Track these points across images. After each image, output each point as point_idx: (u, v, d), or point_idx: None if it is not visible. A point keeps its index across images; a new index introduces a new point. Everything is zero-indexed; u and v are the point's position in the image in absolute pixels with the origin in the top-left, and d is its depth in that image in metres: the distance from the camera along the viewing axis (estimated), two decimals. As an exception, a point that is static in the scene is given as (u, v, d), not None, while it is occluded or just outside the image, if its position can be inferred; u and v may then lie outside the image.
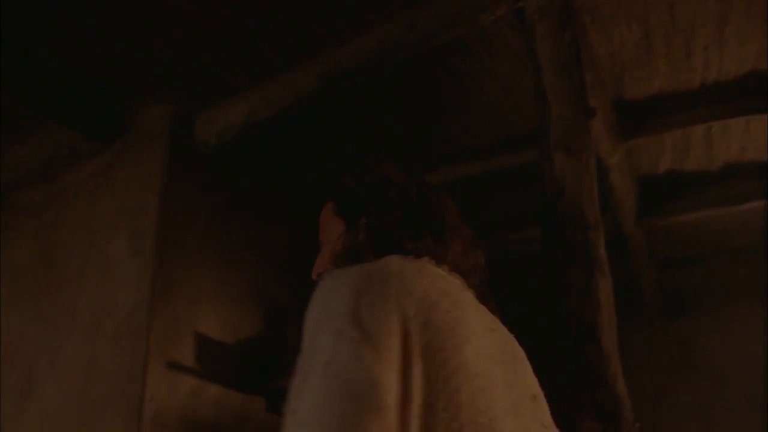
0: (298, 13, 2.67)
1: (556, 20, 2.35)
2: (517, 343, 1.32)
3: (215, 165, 3.18)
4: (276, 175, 3.49)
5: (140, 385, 2.71)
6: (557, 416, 1.26)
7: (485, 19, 2.56)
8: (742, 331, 4.44)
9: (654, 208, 3.99)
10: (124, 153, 3.16)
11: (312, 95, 2.85)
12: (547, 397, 1.28)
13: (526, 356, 1.31)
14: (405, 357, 1.06)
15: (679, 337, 4.73)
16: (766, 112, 3.23)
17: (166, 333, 2.83)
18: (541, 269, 2.05)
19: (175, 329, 2.87)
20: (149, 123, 3.13)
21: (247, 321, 3.20)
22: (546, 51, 2.32)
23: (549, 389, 1.31)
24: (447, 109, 3.25)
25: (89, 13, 2.64)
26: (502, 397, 1.16)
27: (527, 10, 2.43)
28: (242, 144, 3.11)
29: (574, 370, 1.90)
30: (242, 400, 3.11)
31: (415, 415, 1.03)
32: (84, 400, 2.86)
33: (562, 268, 1.98)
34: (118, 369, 2.82)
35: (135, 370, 2.74)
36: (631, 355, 2.33)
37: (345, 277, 1.16)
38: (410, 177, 1.48)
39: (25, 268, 3.44)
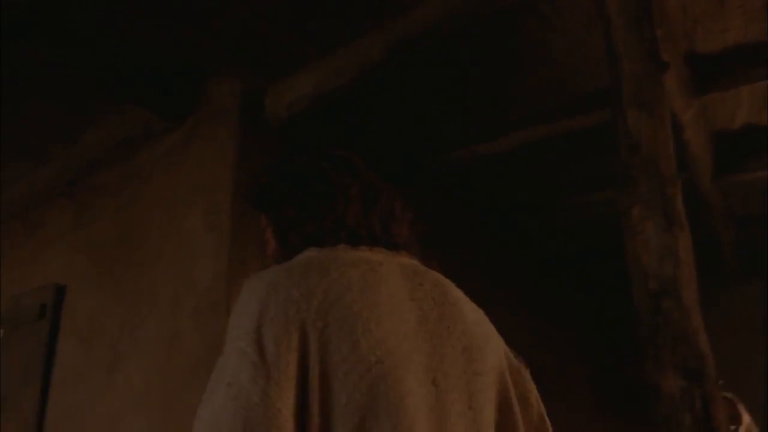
0: (362, -18, 2.68)
1: (625, -26, 2.32)
2: (451, 295, 1.42)
3: (286, 137, 3.22)
4: (346, 144, 3.51)
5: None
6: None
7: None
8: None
9: (731, 165, 3.91)
10: (197, 130, 3.23)
11: (379, 64, 2.87)
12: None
13: (463, 303, 1.43)
14: (302, 363, 1.17)
15: (760, 297, 4.64)
16: None
17: (245, 304, 2.89)
18: (619, 228, 2.04)
19: (254, 301, 2.93)
20: (220, 99, 3.19)
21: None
22: (616, 6, 2.29)
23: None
24: (516, 71, 3.23)
25: (158, -7, 2.69)
26: (416, 370, 1.28)
27: (595, -35, 2.40)
28: (312, 115, 3.14)
29: (655, 326, 1.89)
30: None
31: (314, 422, 1.15)
32: (167, 374, 2.95)
33: (640, 225, 1.97)
34: (200, 342, 2.90)
35: (216, 343, 2.81)
36: (711, 314, 2.31)
37: (256, 285, 1.26)
38: (315, 161, 1.55)
39: (106, 247, 3.55)
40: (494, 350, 1.42)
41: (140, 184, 3.46)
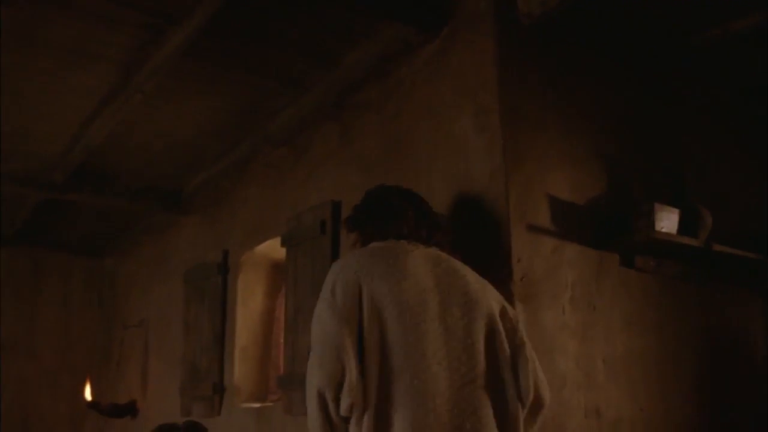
0: None
1: None
2: (459, 271, 2.64)
3: (543, 34, 3.34)
4: (603, 39, 3.57)
5: (507, 249, 3.01)
6: None
7: None
8: None
9: None
10: (454, 38, 3.42)
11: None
12: None
13: (468, 274, 2.65)
14: (359, 305, 2.45)
15: None
16: None
17: (523, 198, 3.09)
18: None
19: (530, 194, 3.13)
20: (473, 4, 3.35)
21: (591, 181, 3.38)
22: None
23: None
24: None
25: None
26: (432, 313, 2.49)
27: None
28: (566, 10, 3.23)
29: None
30: (597, 257, 3.32)
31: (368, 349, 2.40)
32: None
33: None
34: (482, 238, 3.14)
35: (500, 236, 3.04)
36: None
37: (335, 264, 2.64)
38: (385, 195, 2.91)
39: (374, 160, 3.86)
40: (487, 303, 2.57)
41: (402, 97, 3.71)
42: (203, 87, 4.11)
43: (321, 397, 2.41)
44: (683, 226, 3.34)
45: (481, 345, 2.49)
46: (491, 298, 2.61)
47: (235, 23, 3.50)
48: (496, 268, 3.02)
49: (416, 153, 3.54)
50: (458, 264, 2.67)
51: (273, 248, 4.77)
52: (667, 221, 3.27)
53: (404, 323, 2.45)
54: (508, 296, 2.93)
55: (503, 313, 2.60)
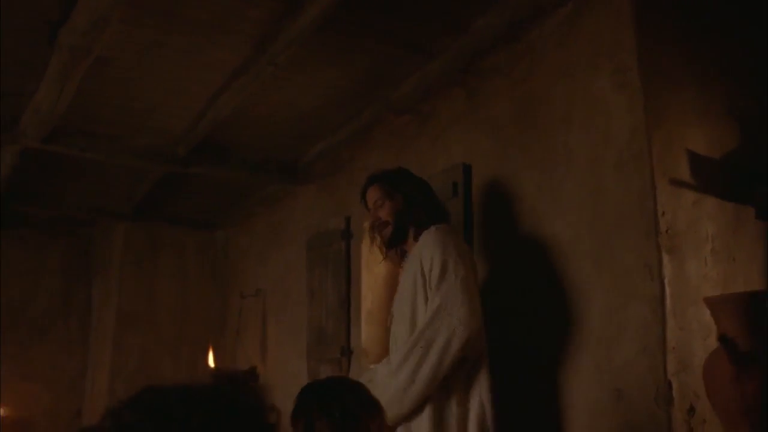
0: None
1: None
2: None
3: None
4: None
5: (652, 203, 3.17)
6: None
7: None
8: None
9: None
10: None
11: None
12: None
13: None
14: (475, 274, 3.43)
15: None
16: None
17: (664, 153, 3.25)
18: None
19: (670, 149, 3.28)
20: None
21: (727, 136, 3.50)
22: None
23: None
24: None
25: None
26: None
27: None
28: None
29: None
30: (734, 210, 3.46)
31: None
32: (595, 225, 3.41)
33: None
34: (624, 193, 3.30)
35: (644, 191, 3.20)
36: None
37: (447, 232, 3.44)
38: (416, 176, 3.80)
39: (503, 123, 4.05)
40: None
41: (533, 60, 3.89)
42: (333, 58, 4.33)
43: (464, 342, 3.16)
44: (820, 178, 3.45)
45: None
46: None
47: (367, -7, 3.72)
48: (641, 221, 3.19)
49: (550, 114, 3.72)
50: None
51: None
52: (804, 173, 3.39)
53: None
54: (654, 248, 3.11)
55: None
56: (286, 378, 6.07)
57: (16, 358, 7.56)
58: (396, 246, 3.61)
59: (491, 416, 3.25)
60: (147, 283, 7.38)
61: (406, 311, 3.36)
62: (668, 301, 3.08)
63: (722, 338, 2.57)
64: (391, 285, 5.16)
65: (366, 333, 5.12)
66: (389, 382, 3.22)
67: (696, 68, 3.46)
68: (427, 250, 3.31)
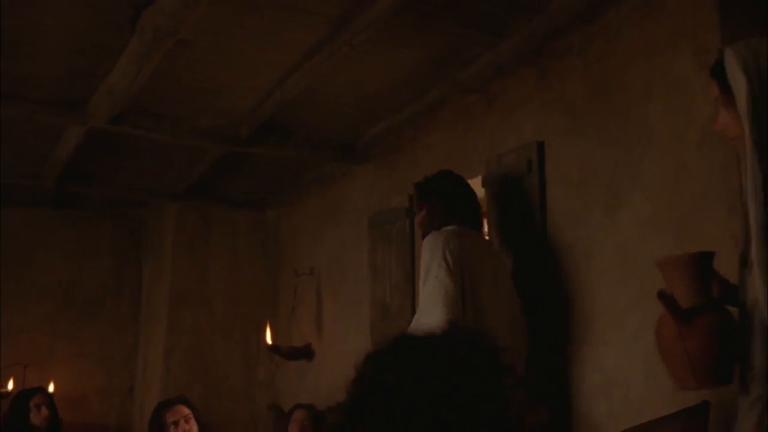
0: None
1: None
2: (497, 251, 4.36)
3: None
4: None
5: (736, 178, 3.35)
6: None
7: None
8: None
9: None
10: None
11: None
12: None
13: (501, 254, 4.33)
14: (461, 273, 3.76)
15: None
16: None
17: (746, 131, 3.43)
18: None
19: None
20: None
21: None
22: None
23: None
24: None
25: None
26: (488, 279, 3.93)
27: None
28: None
29: None
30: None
31: (466, 297, 3.76)
32: (676, 203, 3.59)
33: None
34: (707, 171, 3.48)
35: (726, 166, 3.37)
36: None
37: (439, 236, 3.90)
38: (449, 181, 4.32)
39: (577, 102, 4.24)
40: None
41: (608, 41, 4.07)
42: (408, 39, 4.51)
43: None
44: None
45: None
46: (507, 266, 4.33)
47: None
48: (724, 196, 3.38)
49: (628, 93, 3.90)
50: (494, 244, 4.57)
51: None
52: None
53: (478, 287, 3.89)
54: (739, 223, 3.30)
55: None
56: (342, 354, 6.29)
57: (69, 336, 7.83)
58: None
59: None
60: (199, 262, 7.60)
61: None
62: (755, 273, 3.26)
63: (660, 295, 2.74)
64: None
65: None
66: None
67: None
68: (423, 253, 3.91)
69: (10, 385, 7.20)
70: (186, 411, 5.27)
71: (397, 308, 5.53)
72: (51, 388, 7.12)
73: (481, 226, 4.38)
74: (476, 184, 4.84)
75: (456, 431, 1.32)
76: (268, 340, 6.82)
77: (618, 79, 3.98)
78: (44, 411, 5.18)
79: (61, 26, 4.40)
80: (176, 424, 5.11)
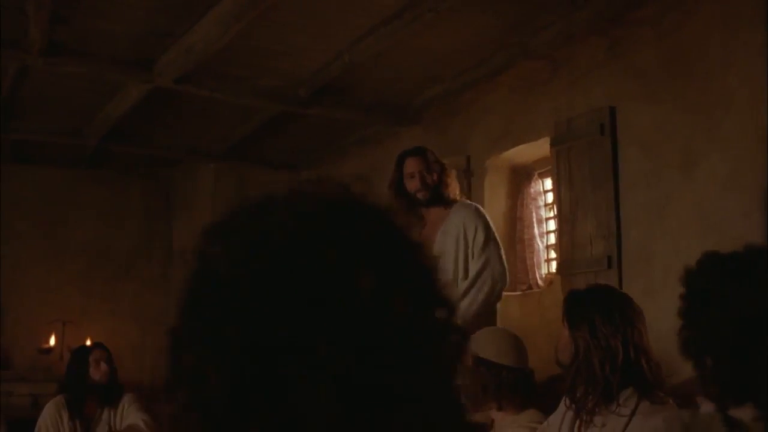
0: None
1: None
2: None
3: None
4: None
5: (816, 139, 3.84)
6: None
7: None
8: None
9: None
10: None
11: None
12: None
13: None
14: None
15: None
16: None
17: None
18: None
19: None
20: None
21: None
22: None
23: None
24: None
25: None
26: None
27: None
28: None
29: None
30: None
31: None
32: (759, 159, 4.03)
33: None
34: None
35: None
36: None
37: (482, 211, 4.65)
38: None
39: (650, 70, 4.70)
40: None
41: (683, 13, 4.52)
42: (487, 5, 4.88)
43: (502, 287, 4.47)
44: None
45: None
46: None
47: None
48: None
49: (706, 62, 4.36)
50: None
51: (519, 152, 5.68)
52: None
53: None
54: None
55: None
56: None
57: (102, 294, 8.18)
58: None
59: None
60: (236, 223, 7.94)
61: (449, 261, 4.41)
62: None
63: None
64: (511, 219, 5.83)
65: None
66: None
67: None
68: (470, 220, 4.44)
69: (52, 341, 7.54)
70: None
71: (455, 265, 5.97)
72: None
73: None
74: (542, 145, 5.27)
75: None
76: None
77: (695, 48, 4.43)
78: (103, 366, 5.48)
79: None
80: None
